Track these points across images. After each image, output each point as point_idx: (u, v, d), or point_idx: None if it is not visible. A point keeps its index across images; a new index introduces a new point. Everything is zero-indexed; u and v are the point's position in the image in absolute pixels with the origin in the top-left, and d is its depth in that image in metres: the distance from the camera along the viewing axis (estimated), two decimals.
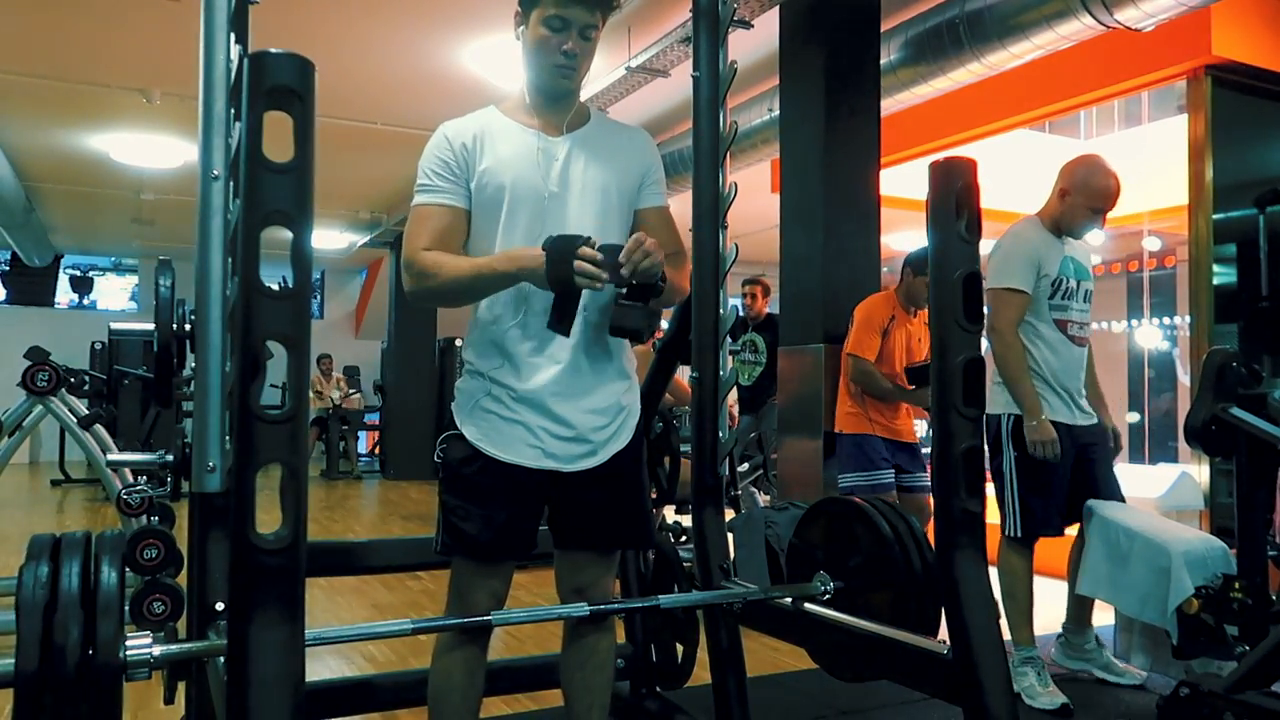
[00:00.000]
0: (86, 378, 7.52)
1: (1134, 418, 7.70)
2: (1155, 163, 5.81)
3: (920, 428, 4.38)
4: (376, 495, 9.52)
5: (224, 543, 1.52)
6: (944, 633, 1.63)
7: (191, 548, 1.59)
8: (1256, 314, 3.20)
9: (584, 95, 2.01)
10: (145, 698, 2.83)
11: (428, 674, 1.88)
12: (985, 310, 1.69)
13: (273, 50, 1.12)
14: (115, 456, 3.83)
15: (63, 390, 4.07)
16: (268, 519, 1.07)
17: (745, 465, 5.71)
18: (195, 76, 1.61)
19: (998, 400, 3.01)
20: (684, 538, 2.50)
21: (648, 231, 1.87)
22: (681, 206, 2.13)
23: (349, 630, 1.69)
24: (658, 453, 2.61)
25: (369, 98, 6.43)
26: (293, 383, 1.12)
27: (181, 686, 1.62)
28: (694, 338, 2.19)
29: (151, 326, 3.10)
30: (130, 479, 3.83)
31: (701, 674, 2.23)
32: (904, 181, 5.88)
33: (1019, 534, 3.00)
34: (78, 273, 13.96)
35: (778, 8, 4.44)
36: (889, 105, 4.80)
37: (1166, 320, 8.04)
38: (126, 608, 1.54)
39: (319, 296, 14.85)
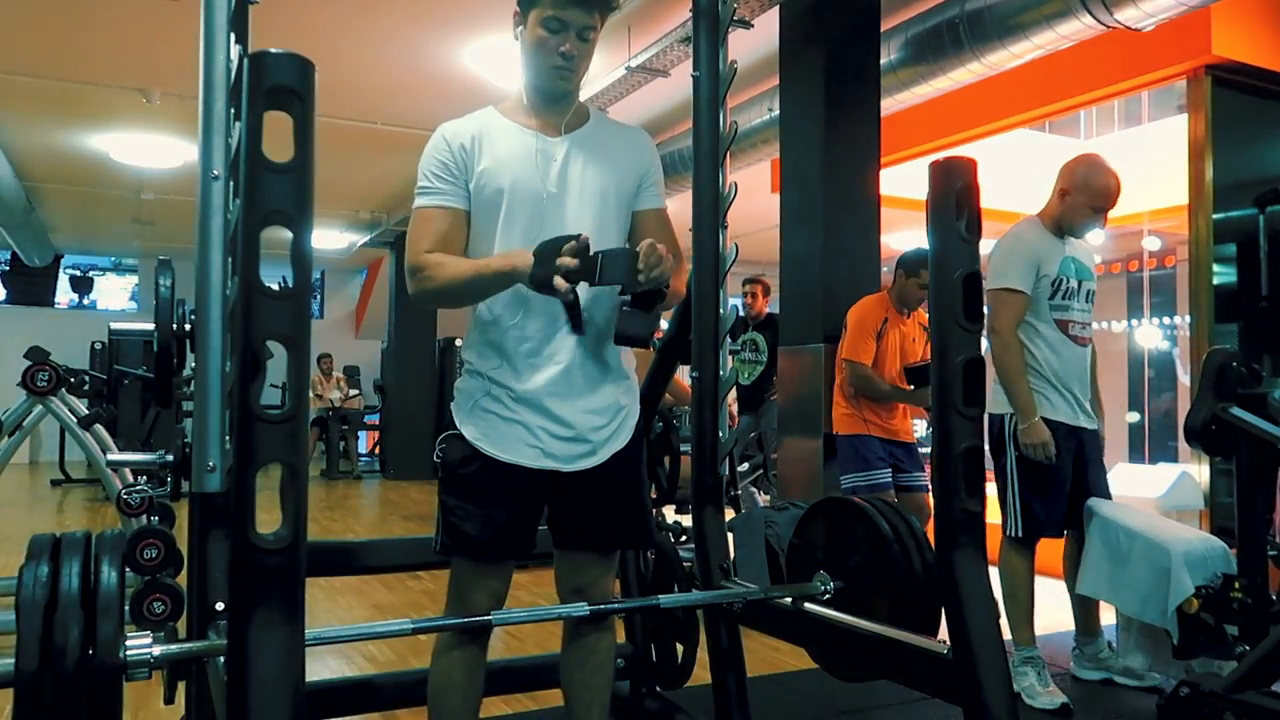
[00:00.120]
0: (86, 378, 7.52)
1: (1134, 418, 7.70)
2: (1155, 163, 5.81)
3: (920, 427, 4.38)
4: (376, 495, 9.52)
5: (224, 543, 1.52)
6: (944, 633, 1.63)
7: (191, 548, 1.59)
8: (1256, 314, 3.20)
9: (584, 95, 2.01)
10: (145, 698, 2.83)
11: (428, 674, 1.88)
12: (985, 311, 1.69)
13: (273, 50, 1.12)
14: (115, 456, 3.83)
15: (63, 390, 4.07)
16: (268, 519, 1.07)
17: (745, 465, 5.71)
18: (195, 76, 1.61)
19: (1000, 400, 3.01)
20: (684, 538, 2.50)
21: (646, 233, 1.87)
22: (681, 206, 2.14)
23: (349, 630, 1.69)
24: (658, 452, 2.61)
25: (369, 98, 6.43)
26: (293, 383, 1.12)
27: (181, 686, 1.62)
28: (694, 338, 2.19)
29: (151, 326, 3.09)
30: (130, 479, 3.83)
31: (701, 674, 2.23)
32: (904, 181, 5.88)
33: (1020, 534, 3.00)
34: (78, 273, 13.96)
35: (778, 8, 4.44)
36: (889, 105, 4.79)
37: (1166, 320, 8.04)
38: (126, 608, 1.54)
39: (319, 296, 14.85)
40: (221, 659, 1.35)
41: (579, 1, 1.75)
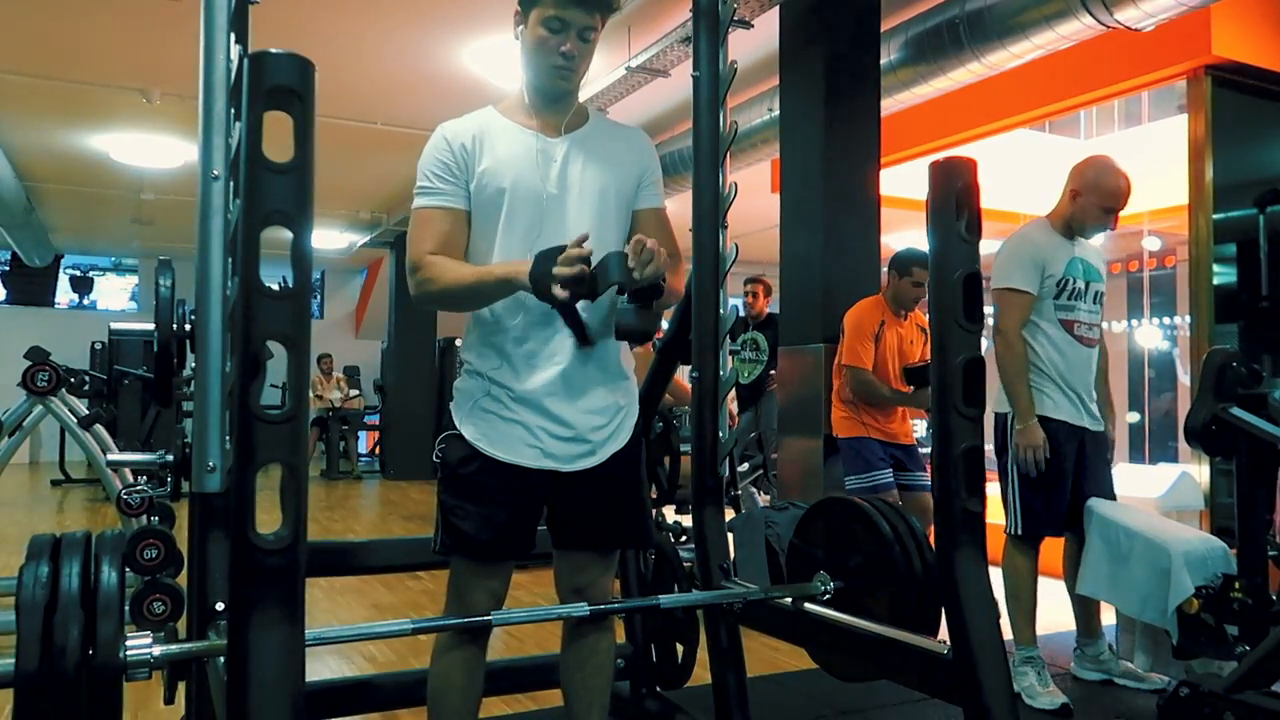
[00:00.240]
0: (86, 378, 7.53)
1: (1134, 418, 7.70)
2: (1155, 163, 5.81)
3: (920, 428, 4.38)
4: (376, 495, 9.52)
5: (224, 543, 1.52)
6: (944, 633, 1.63)
7: (191, 548, 1.59)
8: (1256, 314, 3.20)
9: (583, 95, 2.01)
10: (145, 698, 2.83)
11: (427, 674, 1.88)
12: (989, 310, 1.69)
13: (273, 50, 1.12)
14: (115, 456, 3.83)
15: (63, 390, 4.07)
16: (268, 519, 1.07)
17: (745, 465, 5.71)
18: (195, 76, 1.61)
19: (1004, 399, 3.02)
20: (684, 538, 2.50)
21: (644, 233, 1.87)
22: (681, 206, 2.14)
23: (349, 630, 1.70)
24: (658, 452, 2.61)
25: (369, 98, 6.43)
26: (293, 383, 1.12)
27: (181, 686, 1.62)
28: (694, 338, 2.19)
29: (151, 326, 3.10)
30: (130, 479, 3.83)
31: (701, 674, 2.23)
32: (904, 181, 5.88)
33: (1020, 531, 3.00)
34: (78, 273, 13.96)
35: (778, 8, 4.44)
36: (889, 105, 4.79)
37: (1166, 320, 8.05)
38: (126, 608, 1.54)
39: (319, 296, 14.85)
40: (221, 659, 1.35)
41: (581, 1, 1.75)
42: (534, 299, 1.74)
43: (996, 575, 1.84)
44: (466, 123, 1.85)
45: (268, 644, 1.11)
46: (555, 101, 1.86)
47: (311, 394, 5.18)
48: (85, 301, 14.00)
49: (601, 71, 5.45)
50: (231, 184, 1.58)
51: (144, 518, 3.39)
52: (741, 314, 5.67)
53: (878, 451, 3.87)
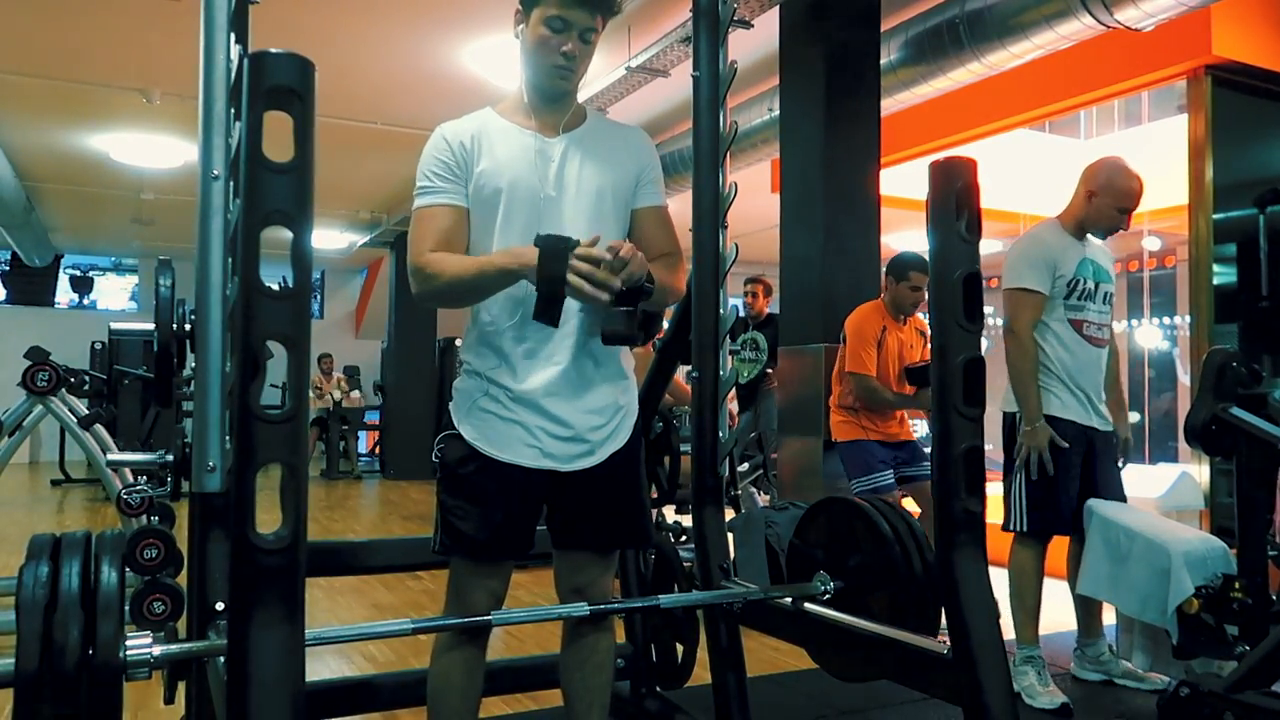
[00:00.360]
0: (86, 378, 7.51)
1: (1134, 418, 7.66)
2: (1155, 163, 5.81)
3: (920, 428, 4.37)
4: (376, 495, 9.52)
5: (224, 543, 1.53)
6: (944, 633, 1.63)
7: (191, 548, 1.59)
8: (1256, 314, 3.20)
9: (583, 95, 2.01)
10: (145, 698, 2.83)
11: (427, 674, 1.88)
12: (989, 310, 1.69)
13: (273, 50, 1.12)
14: (115, 456, 3.83)
15: (63, 390, 4.07)
16: (268, 519, 1.07)
17: (745, 465, 5.71)
18: (195, 76, 1.61)
19: (1013, 399, 3.02)
20: (684, 538, 2.50)
21: (643, 232, 1.88)
22: (681, 206, 2.13)
23: (349, 630, 1.70)
24: (658, 452, 2.61)
25: (369, 98, 6.43)
26: (293, 383, 1.11)
27: (181, 686, 1.62)
28: (694, 338, 2.19)
29: (151, 326, 3.09)
30: (130, 479, 3.83)
31: (701, 674, 2.23)
32: (904, 181, 5.88)
33: (1025, 529, 3.00)
34: (78, 273, 13.96)
35: (778, 8, 4.44)
36: (889, 105, 4.79)
37: (1166, 320, 8.05)
38: (126, 608, 1.54)
39: (319, 296, 14.85)
40: (221, 659, 1.35)
41: (583, 2, 1.75)
42: (533, 299, 1.74)
43: (997, 575, 1.84)
44: (465, 123, 1.85)
45: (268, 644, 1.11)
46: (554, 101, 1.86)
47: (311, 393, 5.18)
48: (85, 301, 14.00)
49: (601, 71, 5.45)
50: (231, 184, 1.58)
51: (144, 518, 3.39)
52: (741, 314, 5.67)
53: (878, 454, 3.86)
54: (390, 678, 2.55)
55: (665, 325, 2.31)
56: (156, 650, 1.39)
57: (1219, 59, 4.57)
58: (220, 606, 1.51)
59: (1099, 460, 3.08)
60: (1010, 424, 3.05)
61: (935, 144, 5.99)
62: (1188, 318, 5.16)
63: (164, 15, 4.96)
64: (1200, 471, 4.68)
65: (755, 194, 5.72)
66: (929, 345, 2.81)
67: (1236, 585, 2.66)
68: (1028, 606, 3.02)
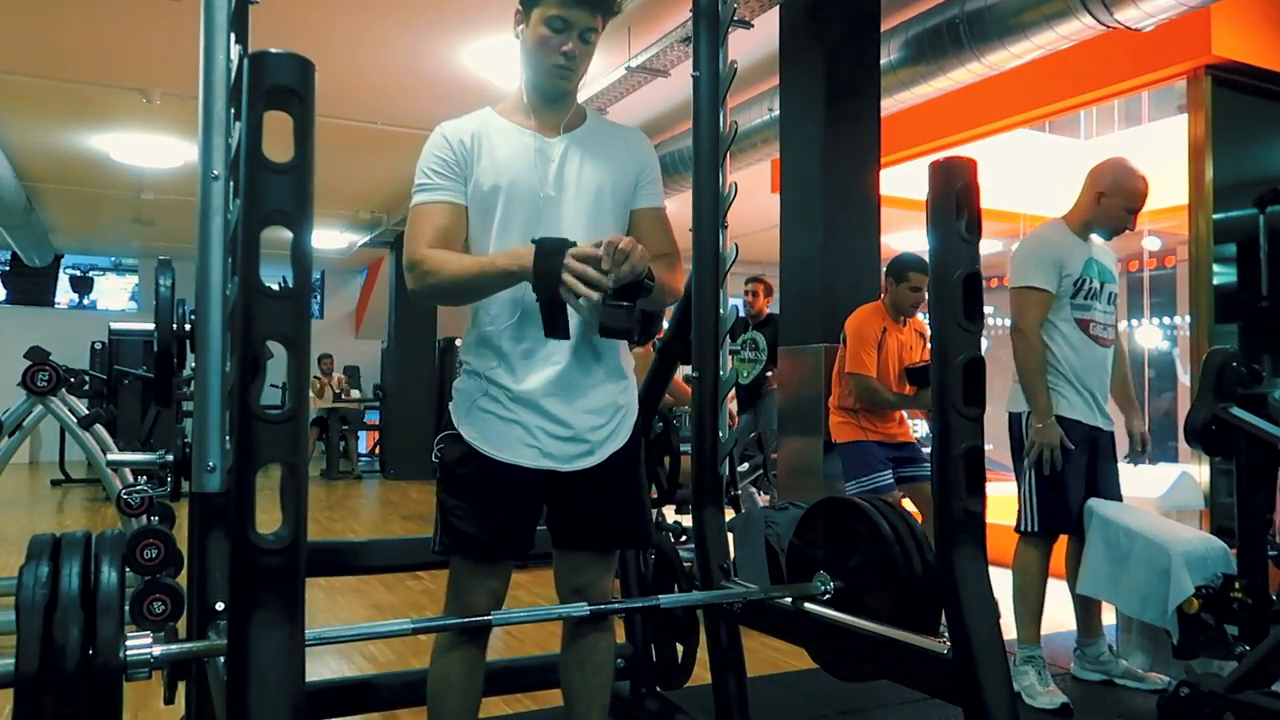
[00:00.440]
0: (86, 378, 7.52)
1: None
2: (1155, 163, 5.80)
3: (920, 428, 4.37)
4: (376, 495, 9.52)
5: (224, 543, 1.52)
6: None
7: (191, 548, 1.59)
8: (1256, 314, 3.20)
9: (583, 95, 2.01)
10: (145, 698, 2.83)
11: (427, 674, 1.88)
12: (989, 310, 1.69)
13: (273, 50, 1.12)
14: (115, 456, 3.83)
15: (63, 390, 4.07)
16: (268, 519, 1.07)
17: (745, 465, 5.70)
18: (195, 76, 1.61)
19: (1020, 398, 3.03)
20: (684, 538, 2.50)
21: (642, 232, 1.88)
22: (681, 206, 2.13)
23: (349, 630, 1.69)
24: (658, 452, 2.61)
25: (369, 98, 6.43)
26: (293, 383, 1.11)
27: (181, 686, 1.62)
28: (694, 338, 2.19)
29: (151, 326, 3.09)
30: (130, 479, 3.83)
31: (701, 674, 2.23)
32: (904, 181, 5.88)
33: (1035, 528, 3.01)
34: (78, 273, 13.96)
35: (778, 8, 4.44)
36: (889, 105, 4.79)
37: (1166, 320, 8.05)
38: (126, 608, 1.54)
39: (319, 296, 14.85)
40: (221, 659, 1.35)
41: (584, 2, 1.75)
42: (532, 299, 1.74)
43: (998, 575, 1.84)
44: (465, 122, 1.85)
45: (268, 644, 1.11)
46: (554, 101, 1.86)
47: (311, 393, 5.17)
48: (85, 301, 14.00)
49: (601, 71, 5.45)
50: (231, 184, 1.58)
51: (144, 518, 3.39)
52: (741, 314, 5.67)
53: (878, 454, 3.86)
54: (390, 678, 2.55)
55: (665, 325, 2.31)
56: (156, 650, 1.39)
57: (1219, 59, 4.57)
58: (220, 606, 1.51)
59: (1099, 460, 3.09)
60: (1018, 424, 3.05)
61: (935, 144, 5.99)
62: (1188, 318, 5.16)
63: (164, 15, 4.95)
64: (1200, 471, 4.68)
65: (755, 194, 5.72)
66: (928, 346, 2.81)
67: (1236, 585, 2.66)
68: (1030, 605, 3.02)
